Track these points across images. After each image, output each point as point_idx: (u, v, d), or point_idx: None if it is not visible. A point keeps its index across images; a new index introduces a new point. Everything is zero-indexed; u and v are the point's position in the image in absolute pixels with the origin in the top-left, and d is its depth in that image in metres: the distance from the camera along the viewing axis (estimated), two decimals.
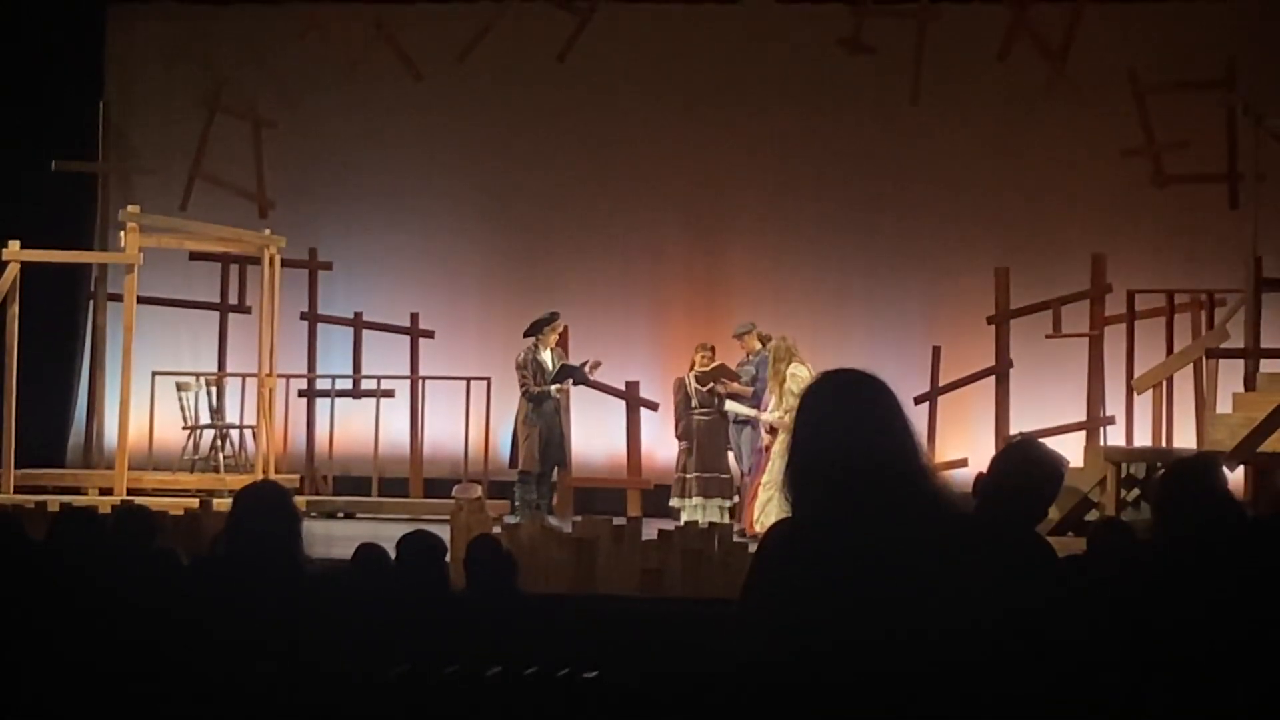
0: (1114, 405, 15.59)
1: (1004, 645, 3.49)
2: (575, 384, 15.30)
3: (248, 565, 5.20)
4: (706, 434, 14.63)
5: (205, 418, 16.44)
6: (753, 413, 14.36)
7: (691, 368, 14.87)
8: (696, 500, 14.49)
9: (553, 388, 14.76)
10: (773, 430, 13.94)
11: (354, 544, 7.18)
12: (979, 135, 16.78)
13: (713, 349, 14.97)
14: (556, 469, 15.18)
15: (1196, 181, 16.27)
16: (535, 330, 14.99)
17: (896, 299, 16.87)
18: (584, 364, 15.13)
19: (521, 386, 14.91)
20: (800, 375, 13.68)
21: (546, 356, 14.87)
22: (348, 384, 17.14)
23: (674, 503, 14.68)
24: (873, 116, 16.93)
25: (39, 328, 15.41)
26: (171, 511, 11.28)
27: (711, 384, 14.63)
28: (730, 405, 14.54)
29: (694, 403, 14.73)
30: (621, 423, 16.62)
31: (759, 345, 14.66)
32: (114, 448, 15.30)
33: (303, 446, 17.02)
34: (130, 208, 14.99)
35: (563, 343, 16.21)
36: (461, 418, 16.34)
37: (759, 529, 13.24)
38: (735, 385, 14.55)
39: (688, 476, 14.65)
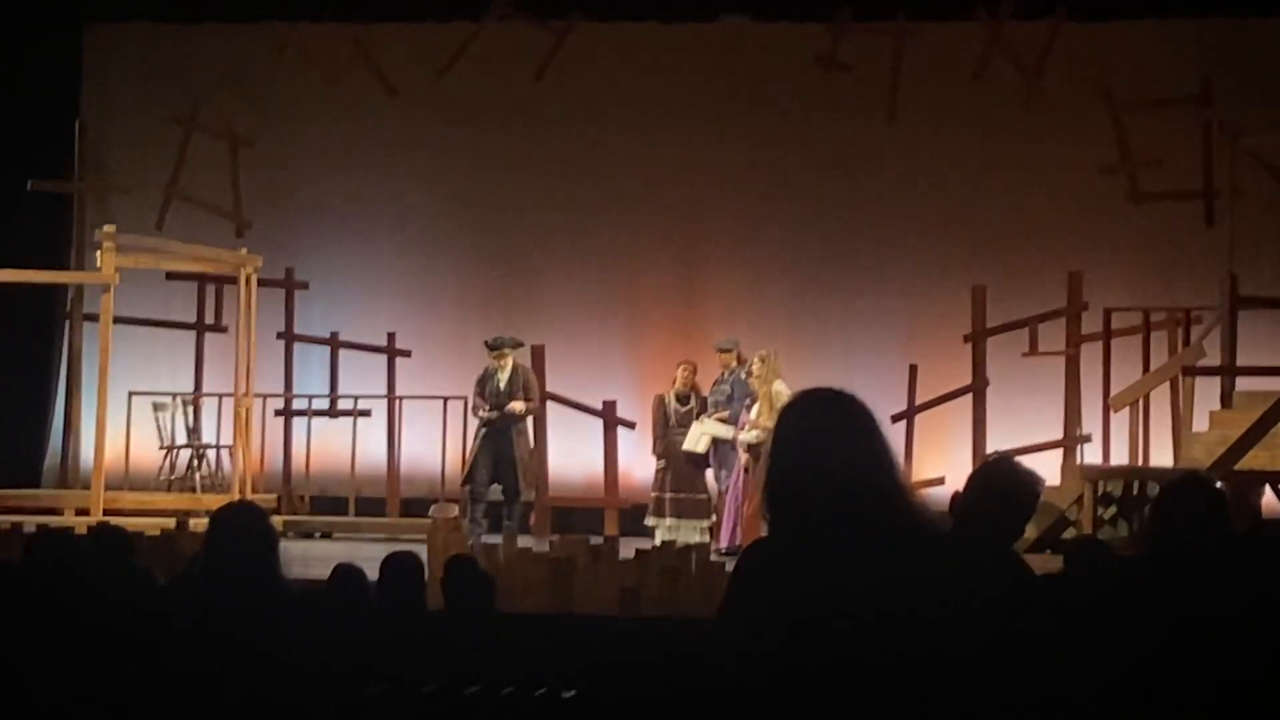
0: (1090, 423, 15.60)
1: (981, 664, 3.49)
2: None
3: (224, 585, 5.17)
4: (685, 453, 14.57)
5: (182, 438, 16.40)
6: (730, 431, 14.29)
7: (673, 385, 14.86)
8: (670, 521, 14.45)
9: (482, 413, 14.67)
10: (750, 449, 13.83)
11: (331, 564, 7.17)
12: (955, 153, 16.81)
13: (694, 367, 14.97)
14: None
15: (1172, 199, 16.32)
16: (488, 347, 14.90)
17: (873, 317, 16.88)
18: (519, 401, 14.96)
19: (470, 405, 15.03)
20: (783, 395, 13.58)
21: (504, 379, 14.74)
22: (324, 403, 17.10)
23: (649, 521, 14.64)
24: (849, 134, 16.95)
25: (14, 348, 15.41)
26: (148, 532, 11.24)
27: (691, 404, 14.63)
28: (707, 425, 14.43)
29: (673, 421, 14.72)
30: (599, 442, 16.60)
31: (735, 363, 14.61)
32: (90, 468, 15.24)
33: (279, 466, 16.98)
34: (106, 227, 14.94)
35: (539, 361, 16.21)
36: (438, 437, 16.27)
37: None
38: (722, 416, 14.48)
39: (664, 496, 14.61)
